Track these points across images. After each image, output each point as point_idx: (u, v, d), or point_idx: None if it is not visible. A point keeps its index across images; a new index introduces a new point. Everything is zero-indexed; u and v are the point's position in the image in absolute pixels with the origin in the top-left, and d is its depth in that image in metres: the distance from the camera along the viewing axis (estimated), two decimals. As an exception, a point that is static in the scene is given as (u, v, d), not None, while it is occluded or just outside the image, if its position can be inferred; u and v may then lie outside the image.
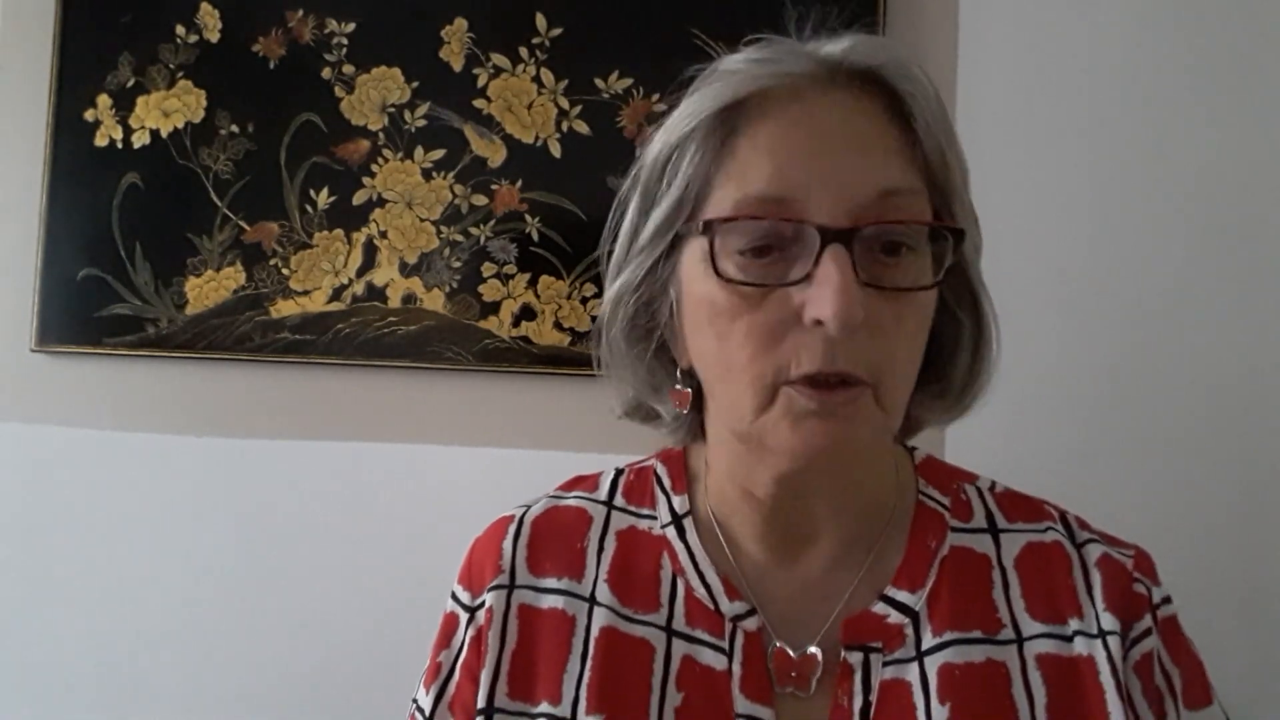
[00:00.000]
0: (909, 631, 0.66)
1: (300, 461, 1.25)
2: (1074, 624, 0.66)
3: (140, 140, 1.27)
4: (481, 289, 1.24)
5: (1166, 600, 0.68)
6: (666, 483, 0.75)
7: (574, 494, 0.77)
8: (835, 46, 0.63)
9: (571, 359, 1.22)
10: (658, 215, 0.65)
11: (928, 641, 0.66)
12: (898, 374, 0.61)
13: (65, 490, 1.27)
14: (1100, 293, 1.16)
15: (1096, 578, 0.67)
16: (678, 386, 0.70)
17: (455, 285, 1.24)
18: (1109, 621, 0.65)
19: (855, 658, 0.66)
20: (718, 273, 0.60)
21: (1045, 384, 1.13)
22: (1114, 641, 0.65)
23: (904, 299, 0.60)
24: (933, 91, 0.63)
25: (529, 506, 0.76)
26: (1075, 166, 1.18)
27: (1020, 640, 0.66)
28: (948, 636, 0.65)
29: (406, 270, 1.25)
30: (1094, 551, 0.68)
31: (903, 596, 0.67)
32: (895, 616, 0.67)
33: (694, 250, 0.63)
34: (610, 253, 0.70)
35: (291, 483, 1.25)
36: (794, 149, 0.60)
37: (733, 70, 0.63)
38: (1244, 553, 1.11)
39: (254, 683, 1.23)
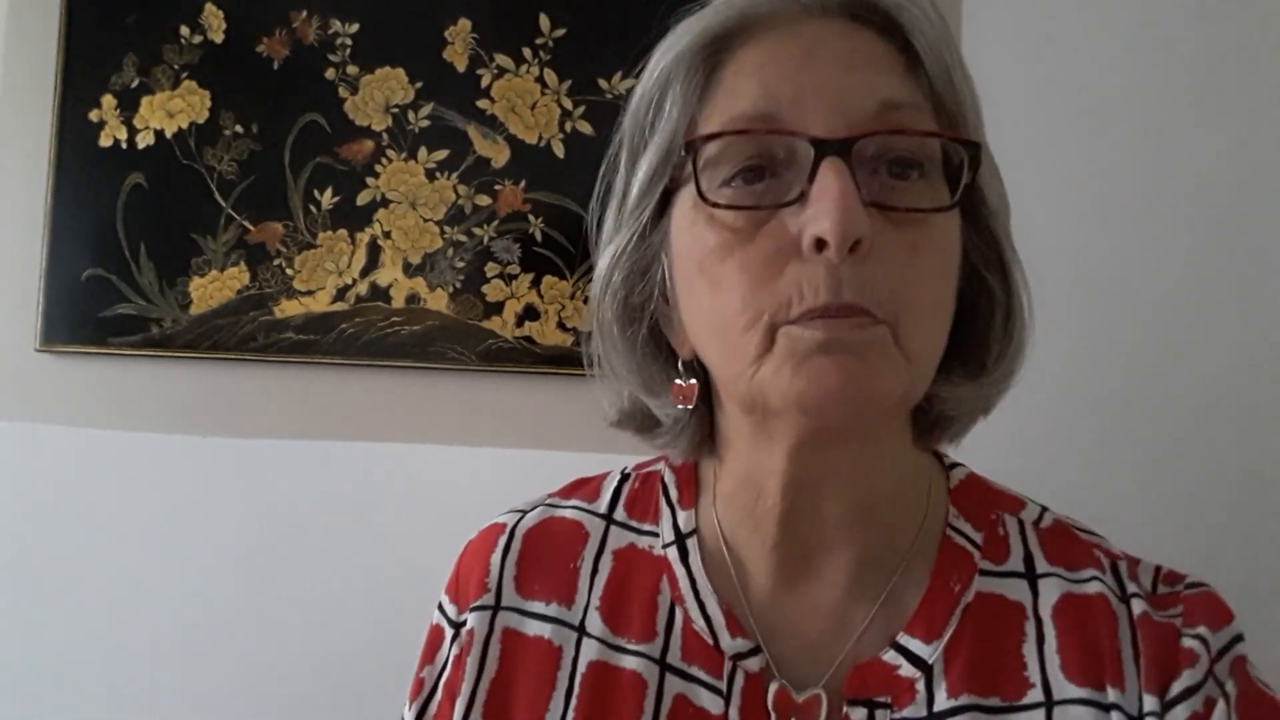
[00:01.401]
0: (921, 687, 0.58)
1: (304, 461, 1.25)
2: (1112, 694, 0.56)
3: (145, 141, 1.27)
4: (485, 289, 1.24)
5: (1236, 640, 0.58)
6: (673, 494, 0.69)
7: (571, 502, 0.71)
8: None
9: (575, 359, 1.22)
10: (644, 168, 0.59)
11: (940, 702, 0.58)
12: (918, 313, 0.54)
13: (69, 490, 1.27)
14: (1106, 291, 1.16)
15: (1140, 645, 0.58)
16: (679, 381, 0.63)
17: (459, 285, 1.24)
18: (1150, 703, 0.56)
19: (859, 714, 0.58)
20: (703, 197, 0.54)
21: (1052, 382, 1.12)
22: None
23: (918, 226, 0.54)
24: (934, 12, 0.57)
25: (523, 513, 0.71)
26: (1080, 163, 1.18)
27: (1050, 704, 0.57)
28: (963, 700, 0.57)
29: (410, 270, 1.25)
30: (1136, 610, 0.59)
31: (916, 646, 0.59)
32: (907, 669, 0.59)
33: (684, 203, 0.58)
34: (599, 226, 0.65)
35: (295, 483, 1.25)
36: (783, 65, 0.55)
37: (713, 8, 0.59)
38: (1247, 552, 1.11)
39: (259, 681, 1.23)
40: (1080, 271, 1.17)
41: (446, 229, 1.25)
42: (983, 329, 0.61)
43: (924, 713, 0.58)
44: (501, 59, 1.25)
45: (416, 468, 1.24)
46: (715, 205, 0.55)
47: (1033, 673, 0.58)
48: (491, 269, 1.24)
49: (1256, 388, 1.14)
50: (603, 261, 0.63)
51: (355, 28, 1.26)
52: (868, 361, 0.52)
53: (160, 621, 1.24)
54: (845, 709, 0.59)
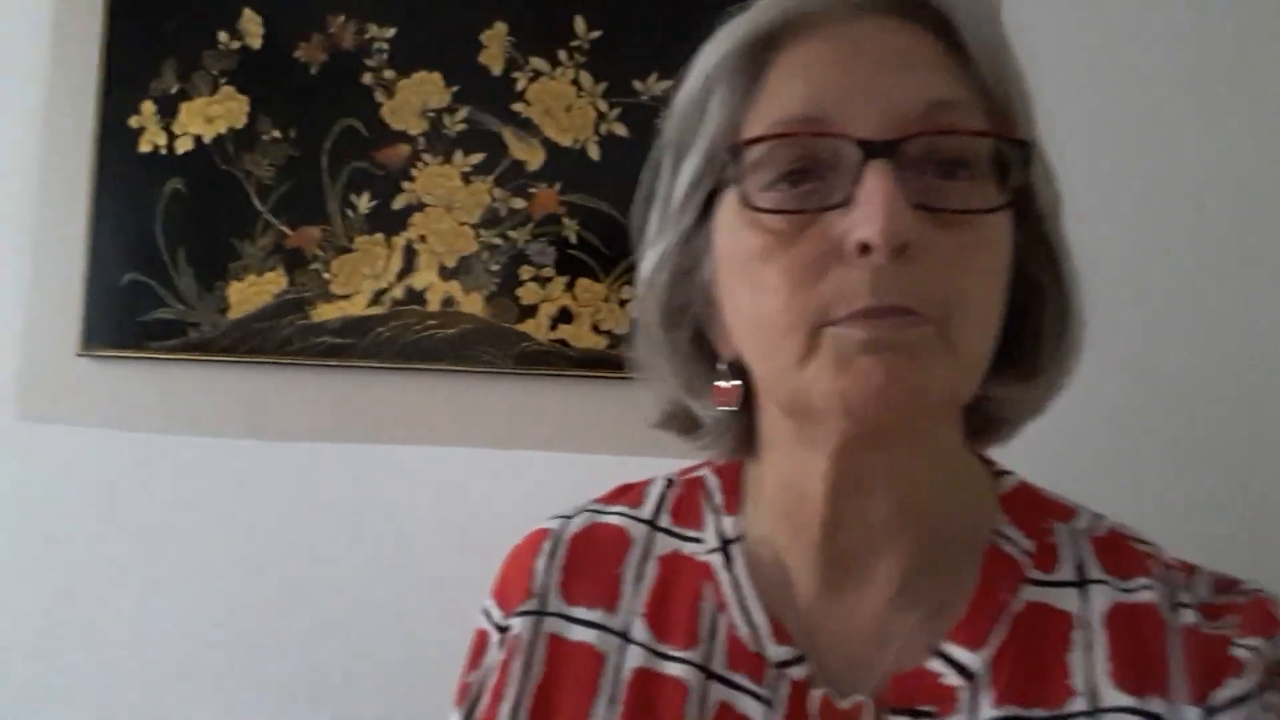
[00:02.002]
0: (964, 697, 0.57)
1: (341, 464, 1.26)
2: (1157, 705, 0.55)
3: (184, 146, 1.28)
4: (519, 292, 1.24)
5: None
6: (718, 499, 0.68)
7: (616, 508, 0.70)
8: None
9: (609, 362, 1.22)
10: (688, 171, 0.59)
11: (985, 713, 0.56)
12: (968, 311, 0.52)
13: (109, 492, 1.28)
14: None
15: (1186, 656, 0.56)
16: (721, 383, 0.62)
17: (494, 288, 1.24)
18: (1193, 715, 0.54)
19: None
20: (747, 202, 0.54)
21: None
22: None
23: (966, 227, 0.53)
24: (986, 7, 0.56)
25: (568, 519, 0.71)
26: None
27: (1095, 712, 0.55)
28: (1007, 711, 0.56)
29: (445, 274, 1.25)
30: (1186, 620, 0.57)
31: (962, 655, 0.58)
32: (951, 677, 0.57)
33: (728, 205, 0.57)
34: (643, 228, 0.65)
35: (332, 486, 1.26)
36: (829, 66, 0.54)
37: (757, 8, 0.58)
38: (1246, 554, 1.09)
39: (297, 685, 1.23)
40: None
41: (482, 232, 1.25)
42: (1034, 329, 0.60)
43: None
44: (537, 62, 1.25)
45: (451, 471, 1.24)
46: (759, 209, 0.54)
47: (1078, 681, 0.56)
48: (526, 272, 1.24)
49: (1255, 387, 1.11)
50: (646, 263, 0.63)
51: (392, 32, 1.27)
52: (914, 358, 0.51)
53: (198, 624, 1.25)
54: (889, 718, 0.57)
